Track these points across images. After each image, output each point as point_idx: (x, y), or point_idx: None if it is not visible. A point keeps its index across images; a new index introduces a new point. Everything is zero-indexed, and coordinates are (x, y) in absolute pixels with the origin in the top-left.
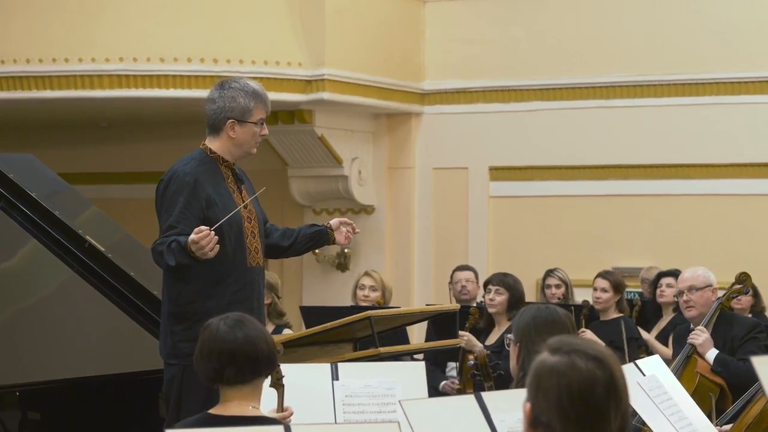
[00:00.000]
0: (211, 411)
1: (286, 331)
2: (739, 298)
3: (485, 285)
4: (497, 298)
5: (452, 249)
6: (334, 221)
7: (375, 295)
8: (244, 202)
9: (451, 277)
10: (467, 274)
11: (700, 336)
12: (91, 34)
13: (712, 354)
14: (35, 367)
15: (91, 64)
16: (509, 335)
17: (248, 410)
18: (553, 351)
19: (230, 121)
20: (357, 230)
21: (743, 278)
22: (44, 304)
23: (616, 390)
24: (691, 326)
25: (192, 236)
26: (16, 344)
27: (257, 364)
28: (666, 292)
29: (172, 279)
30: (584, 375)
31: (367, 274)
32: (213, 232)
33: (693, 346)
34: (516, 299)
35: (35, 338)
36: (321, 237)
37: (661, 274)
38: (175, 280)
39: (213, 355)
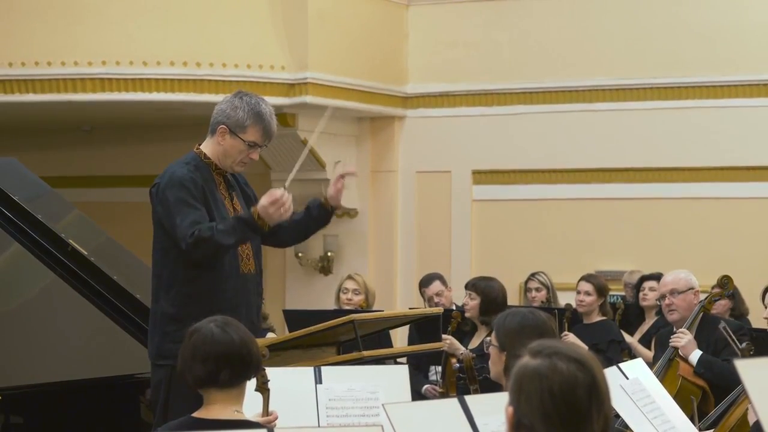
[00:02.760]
0: (195, 414)
1: (270, 335)
2: (720, 301)
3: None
4: (470, 303)
5: (435, 252)
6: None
7: (358, 299)
8: (235, 209)
9: (421, 293)
10: (435, 288)
11: (683, 338)
12: (74, 38)
13: (695, 356)
14: (17, 371)
15: (74, 67)
16: (488, 339)
17: (232, 414)
18: (534, 354)
19: (222, 126)
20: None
21: (725, 281)
22: (26, 307)
23: (598, 392)
24: (674, 329)
25: (263, 201)
26: None
27: (250, 366)
28: (648, 295)
29: (167, 281)
30: (566, 377)
31: (350, 277)
32: (287, 193)
33: (675, 348)
34: (488, 303)
35: (17, 342)
36: (322, 217)
37: (644, 278)
38: (171, 283)
39: (209, 358)
